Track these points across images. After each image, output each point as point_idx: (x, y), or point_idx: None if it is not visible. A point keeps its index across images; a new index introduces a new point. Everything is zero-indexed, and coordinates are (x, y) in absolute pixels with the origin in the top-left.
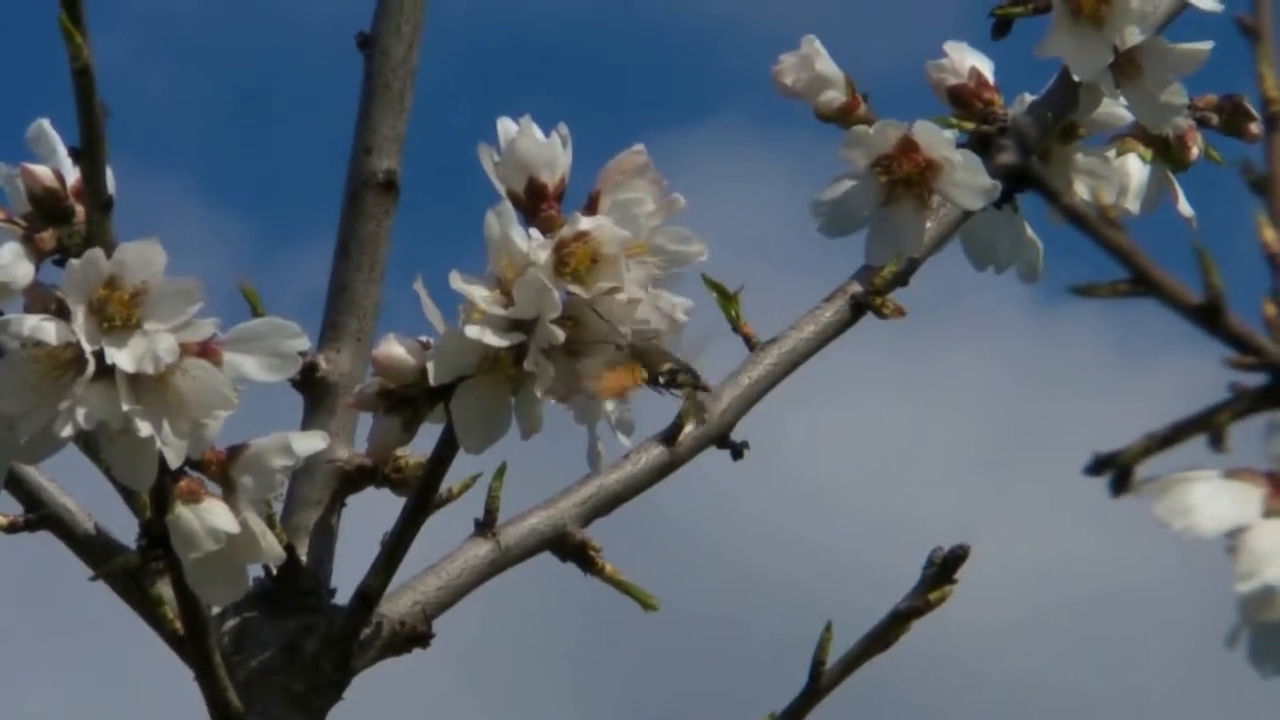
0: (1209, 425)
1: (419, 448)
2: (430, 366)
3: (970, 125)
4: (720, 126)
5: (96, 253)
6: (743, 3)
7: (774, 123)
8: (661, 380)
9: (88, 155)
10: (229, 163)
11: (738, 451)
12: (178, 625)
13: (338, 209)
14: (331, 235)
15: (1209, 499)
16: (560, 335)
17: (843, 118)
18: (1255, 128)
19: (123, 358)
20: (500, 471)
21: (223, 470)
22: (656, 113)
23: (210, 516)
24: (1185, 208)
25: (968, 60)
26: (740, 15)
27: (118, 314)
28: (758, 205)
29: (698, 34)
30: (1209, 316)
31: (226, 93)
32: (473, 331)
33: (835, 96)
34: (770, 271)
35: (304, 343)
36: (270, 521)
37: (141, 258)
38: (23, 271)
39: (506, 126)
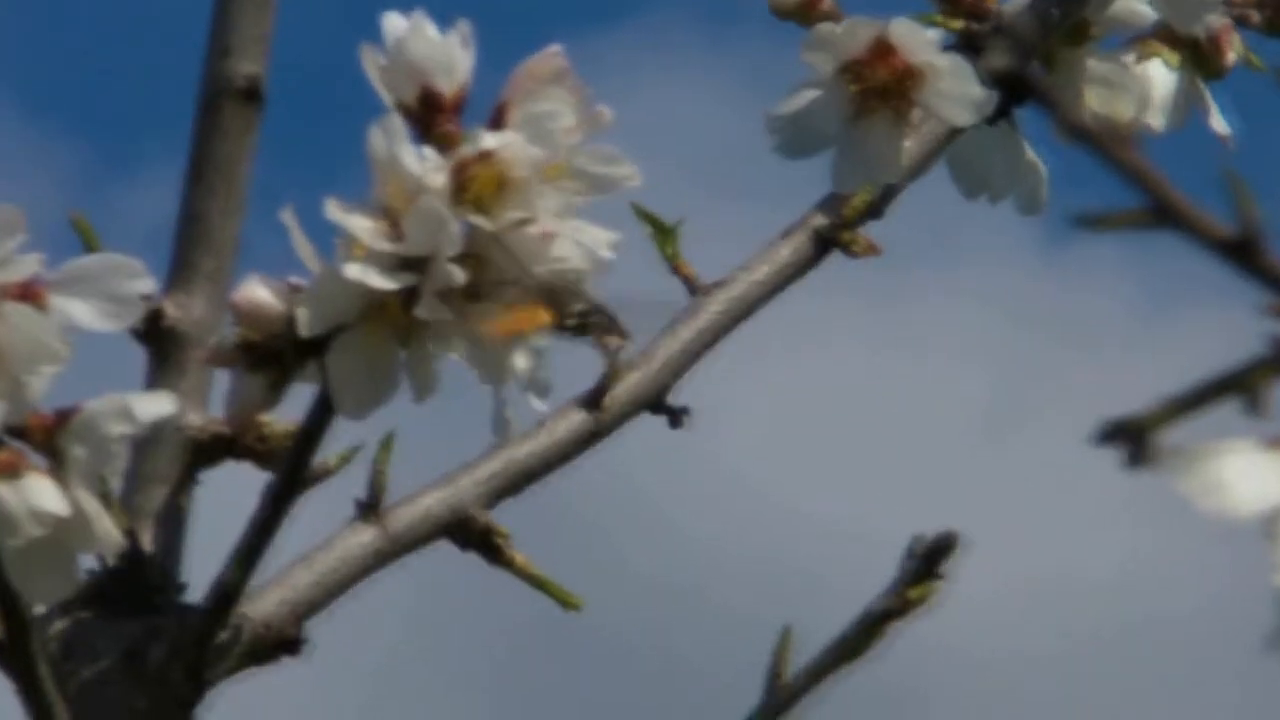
0: (1243, 385)
1: (287, 413)
2: (301, 314)
3: (958, 24)
4: (652, 25)
5: None
6: None
7: (717, 19)
8: (569, 324)
9: None
10: (51, 71)
11: (675, 418)
12: None
13: (188, 124)
14: (179, 156)
15: (1244, 474)
16: (460, 276)
17: (803, 14)
18: None
19: None
20: (386, 442)
21: (49, 439)
22: (575, 6)
23: (33, 495)
24: (1219, 124)
25: None
26: None
27: None
28: (699, 119)
29: None
30: (1242, 253)
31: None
32: (353, 271)
33: None
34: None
35: (147, 284)
36: (107, 501)
37: None
38: None
39: (394, 23)
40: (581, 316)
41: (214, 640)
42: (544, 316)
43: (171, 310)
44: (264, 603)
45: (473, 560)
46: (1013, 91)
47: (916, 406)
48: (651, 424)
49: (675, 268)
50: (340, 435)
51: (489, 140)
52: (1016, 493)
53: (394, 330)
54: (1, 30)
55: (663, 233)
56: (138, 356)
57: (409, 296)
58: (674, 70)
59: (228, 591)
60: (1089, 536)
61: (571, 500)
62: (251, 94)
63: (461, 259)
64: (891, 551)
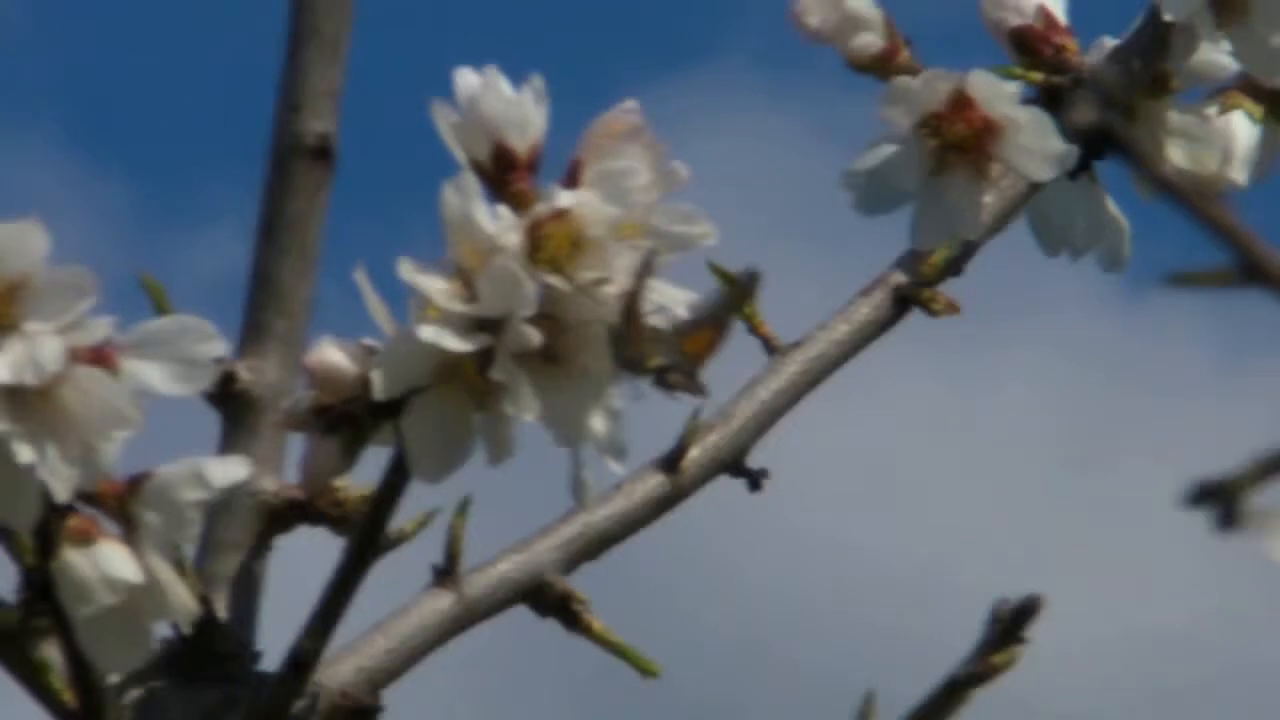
0: None
1: (363, 477)
2: (376, 376)
3: (1038, 76)
4: (715, 72)
5: None
6: None
7: (780, 65)
8: (642, 373)
9: None
10: (105, 114)
11: (754, 480)
12: (68, 697)
13: (249, 174)
14: (240, 207)
15: None
16: (536, 337)
17: (880, 67)
18: None
19: None
20: (463, 506)
21: (122, 505)
22: (641, 55)
23: (106, 563)
24: None
25: None
26: None
27: None
28: (771, 170)
29: None
30: None
31: (105, 24)
32: (427, 333)
33: (871, 41)
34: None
35: (219, 347)
36: (181, 568)
37: (18, 243)
38: None
39: (467, 79)
40: (660, 371)
41: (290, 709)
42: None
43: (244, 373)
44: (340, 670)
45: (551, 627)
46: (1095, 145)
47: (993, 457)
48: (730, 487)
49: (753, 327)
50: (416, 499)
51: (564, 198)
52: (1094, 542)
53: (469, 392)
54: (58, 71)
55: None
56: (211, 421)
57: (484, 358)
58: (740, 118)
59: (303, 659)
60: (1167, 585)
61: (647, 562)
62: (323, 152)
63: (537, 319)
64: (968, 602)
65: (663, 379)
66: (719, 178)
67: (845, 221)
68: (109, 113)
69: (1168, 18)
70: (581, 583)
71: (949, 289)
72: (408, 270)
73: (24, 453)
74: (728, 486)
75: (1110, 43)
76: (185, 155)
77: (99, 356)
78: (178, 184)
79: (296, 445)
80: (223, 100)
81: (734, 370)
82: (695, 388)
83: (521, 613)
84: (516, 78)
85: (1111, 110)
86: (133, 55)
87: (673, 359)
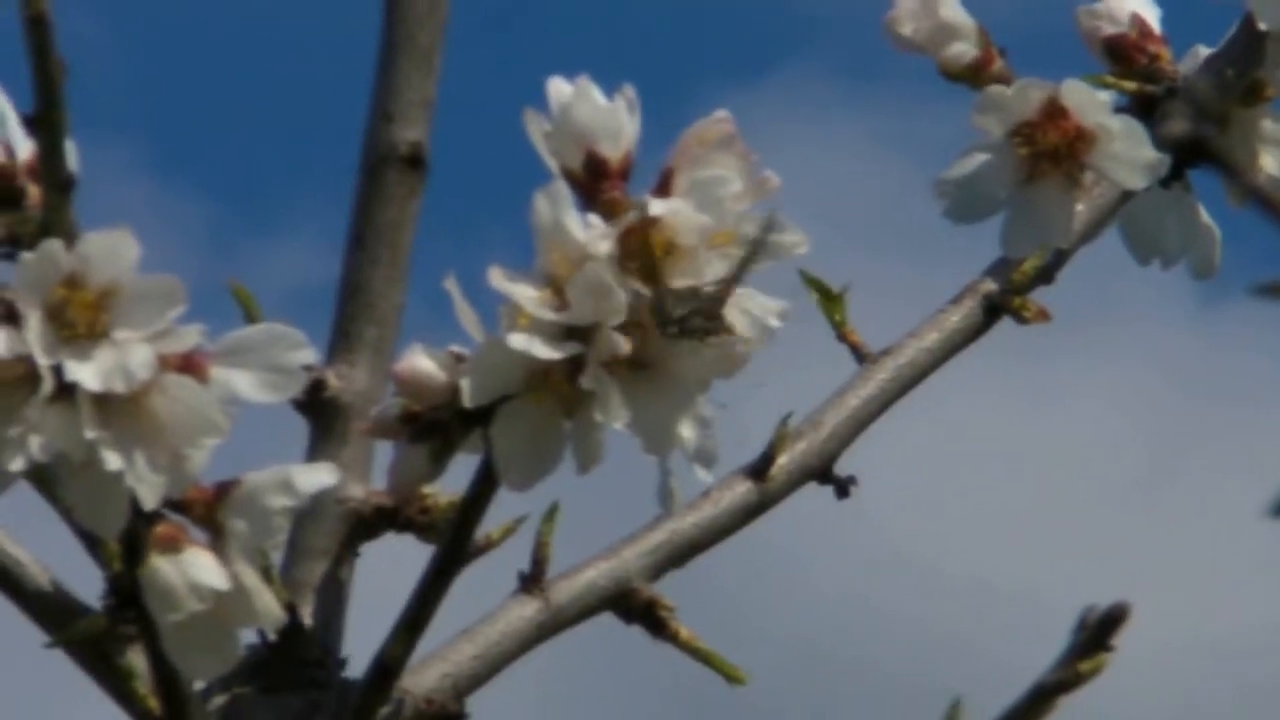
0: None
1: (450, 484)
2: (465, 384)
3: (1132, 85)
4: (791, 81)
5: (55, 244)
6: None
7: (856, 74)
8: (671, 330)
9: (44, 123)
10: (181, 126)
11: (842, 488)
12: (153, 703)
13: (326, 184)
14: (318, 217)
15: None
16: (626, 345)
17: (974, 76)
18: None
19: (87, 373)
20: (550, 514)
21: (209, 512)
22: (712, 64)
23: (194, 570)
24: None
25: (1128, 4)
26: None
27: (81, 320)
28: (850, 179)
29: None
30: None
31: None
32: (518, 341)
33: (965, 50)
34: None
35: (309, 354)
36: (268, 575)
37: (110, 251)
38: None
39: (559, 88)
40: (681, 322)
41: (375, 715)
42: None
43: (334, 381)
44: (425, 677)
45: (637, 633)
46: (1189, 154)
47: (1072, 466)
48: (818, 494)
49: (843, 335)
50: (503, 506)
51: (656, 206)
52: (1173, 551)
53: (559, 400)
54: (139, 87)
55: (830, 300)
56: (300, 427)
57: (574, 366)
58: (816, 126)
59: (389, 666)
60: (1247, 593)
61: (734, 570)
62: (415, 161)
63: (627, 327)
64: (1049, 613)
65: (684, 326)
66: (795, 185)
67: (927, 229)
68: (188, 127)
69: (1262, 26)
70: (668, 589)
71: (1040, 296)
72: (499, 278)
73: (112, 460)
74: (815, 494)
75: (1204, 51)
76: (262, 166)
77: (188, 364)
78: (255, 195)
79: (385, 452)
80: (298, 111)
81: (823, 378)
82: (717, 329)
83: (608, 620)
84: (606, 87)
85: (1204, 120)
86: (210, 69)
87: (692, 305)
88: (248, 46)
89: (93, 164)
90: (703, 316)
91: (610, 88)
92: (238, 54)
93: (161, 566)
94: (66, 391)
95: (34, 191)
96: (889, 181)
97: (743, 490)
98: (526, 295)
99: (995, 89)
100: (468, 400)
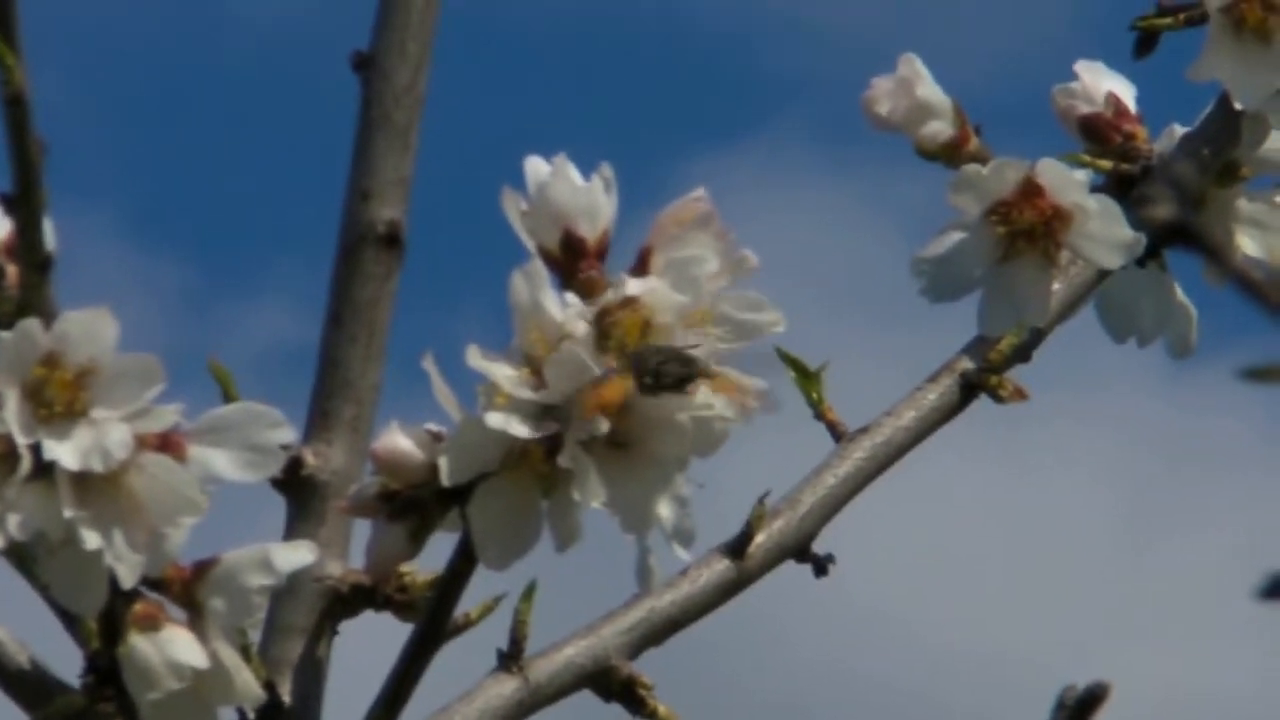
0: None
1: (428, 563)
2: (443, 463)
3: (1108, 164)
4: (770, 142)
5: (32, 324)
6: None
7: (833, 138)
8: (648, 381)
9: (22, 203)
10: (156, 192)
11: (820, 566)
12: None
13: (292, 250)
14: (292, 291)
15: None
16: (604, 424)
17: (949, 155)
18: None
19: (65, 452)
20: (529, 592)
21: (188, 591)
22: (688, 127)
23: (172, 648)
24: None
25: (1103, 83)
26: (783, 9)
27: (59, 399)
28: (826, 246)
29: (733, 34)
30: None
31: (163, 107)
32: (495, 420)
33: (941, 129)
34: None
35: (287, 433)
36: (246, 654)
37: (88, 330)
38: None
39: (536, 167)
40: (656, 374)
41: None
42: (628, 384)
43: (311, 459)
44: None
45: (615, 711)
46: (1168, 236)
47: (1048, 532)
48: (795, 573)
49: (820, 413)
50: (481, 584)
51: (633, 286)
52: (1150, 614)
53: (537, 479)
54: (105, 147)
55: (806, 378)
56: (277, 506)
57: (552, 444)
58: (792, 189)
59: None
60: (1222, 655)
61: (712, 647)
62: (392, 239)
63: (605, 406)
64: (1028, 677)
65: (657, 380)
66: (772, 252)
67: (903, 293)
68: (161, 192)
69: (1238, 106)
70: (647, 667)
71: (1017, 375)
72: (476, 357)
73: (91, 539)
74: (793, 572)
75: (1180, 130)
76: (235, 231)
77: (167, 443)
78: (227, 260)
79: (362, 530)
80: (272, 178)
81: (800, 456)
82: (691, 374)
83: (587, 697)
84: (553, 151)
85: (1183, 203)
86: (183, 135)
87: (668, 354)
88: (222, 113)
89: (65, 228)
90: (678, 363)
91: (587, 155)
92: (212, 122)
93: (140, 645)
94: (45, 470)
95: (12, 270)
96: (865, 244)
97: (721, 568)
98: (504, 374)
99: (971, 168)
100: (446, 479)
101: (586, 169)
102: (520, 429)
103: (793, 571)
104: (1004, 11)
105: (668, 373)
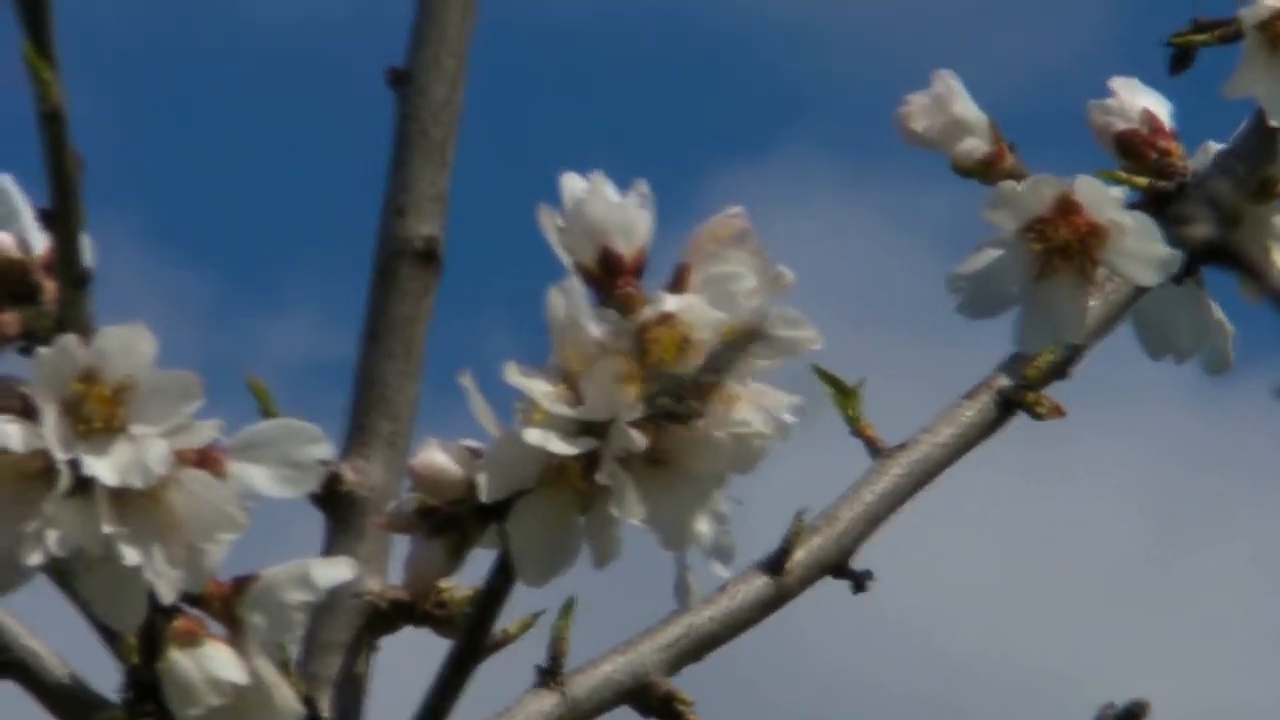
0: None
1: (467, 579)
2: (481, 479)
3: (1143, 181)
4: (795, 154)
5: (71, 339)
6: (803, 6)
7: (856, 151)
8: (647, 407)
9: (60, 218)
10: (183, 203)
11: (859, 582)
12: None
13: (319, 262)
14: (315, 305)
15: None
16: (641, 441)
17: (985, 172)
18: None
19: (103, 468)
20: (567, 608)
21: (227, 607)
22: (712, 141)
23: (212, 664)
24: None
25: (1139, 100)
26: (805, 21)
27: (97, 414)
28: (848, 260)
29: (753, 48)
30: None
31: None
32: (533, 436)
33: (976, 145)
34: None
35: (326, 449)
36: (286, 669)
37: (126, 346)
38: None
39: (572, 183)
40: (651, 403)
41: None
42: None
43: (350, 475)
44: None
45: None
46: (1205, 254)
47: (1082, 547)
48: (833, 589)
49: (857, 430)
50: (520, 600)
51: (670, 303)
52: (1178, 625)
53: (575, 495)
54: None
55: (844, 395)
56: (316, 522)
57: (590, 461)
58: (818, 201)
59: None
60: (1251, 666)
61: (750, 663)
62: (429, 256)
63: (642, 423)
64: (1066, 692)
65: (655, 406)
66: (796, 267)
67: (936, 314)
68: (187, 201)
69: (1273, 123)
70: (685, 684)
71: (1054, 392)
72: (514, 374)
73: (130, 555)
74: (829, 587)
75: (1215, 147)
76: (260, 242)
77: (205, 459)
78: (253, 270)
79: (401, 546)
80: (299, 188)
81: (838, 473)
82: (681, 412)
83: (625, 714)
84: (574, 166)
85: (1219, 220)
86: (209, 144)
87: (666, 386)
88: (243, 124)
89: (93, 237)
90: (671, 397)
91: (610, 170)
92: (234, 133)
93: (180, 660)
94: (84, 486)
95: (49, 286)
96: (887, 258)
97: (759, 585)
98: (541, 390)
99: (1007, 185)
100: (484, 495)
101: (623, 187)
102: (559, 445)
103: (828, 587)
104: (1027, 25)
105: (658, 405)
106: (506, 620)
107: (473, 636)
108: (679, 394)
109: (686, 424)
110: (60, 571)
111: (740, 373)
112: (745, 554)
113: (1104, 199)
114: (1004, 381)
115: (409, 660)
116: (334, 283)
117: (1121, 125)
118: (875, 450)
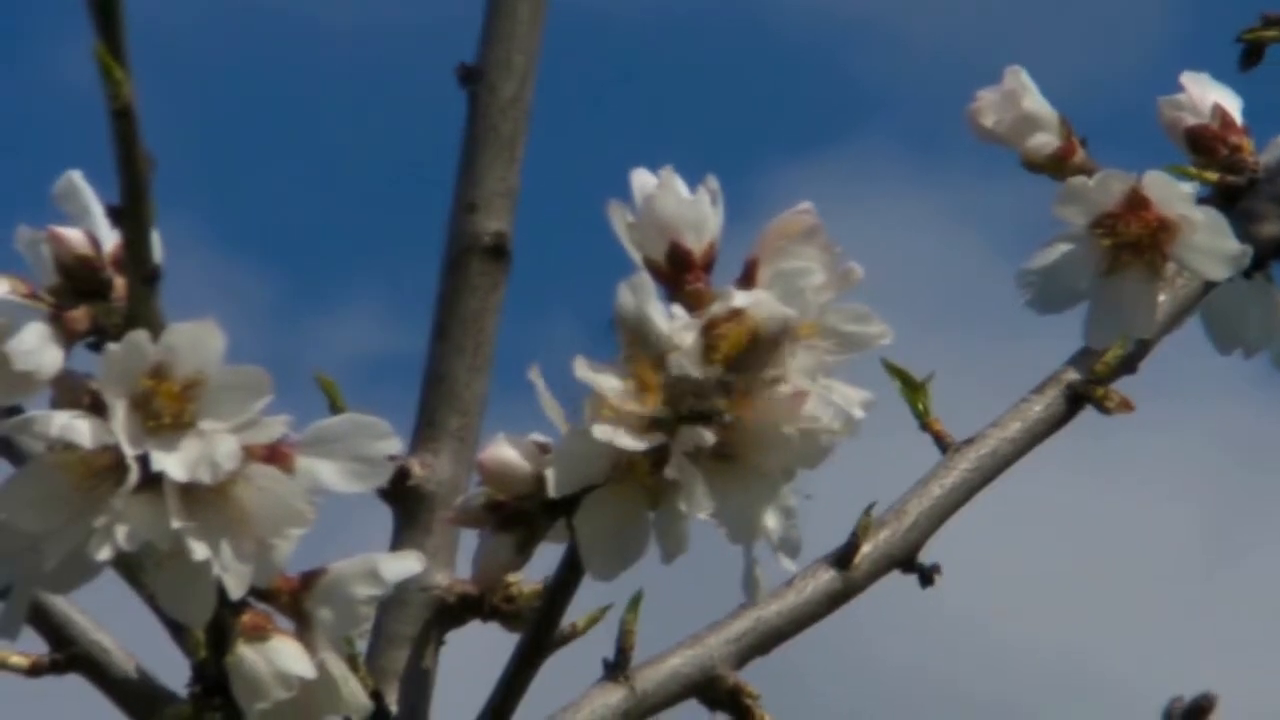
0: None
1: (535, 573)
2: (549, 474)
3: (1214, 176)
4: (860, 153)
5: (140, 335)
6: (874, 4)
7: (922, 147)
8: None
9: (130, 215)
10: (246, 203)
11: (926, 576)
12: None
13: (379, 259)
14: (377, 300)
15: None
16: (710, 437)
17: (1056, 167)
18: None
19: (173, 464)
20: (635, 602)
21: (295, 601)
22: (776, 136)
23: (280, 658)
24: None
25: (1209, 95)
26: (870, 20)
27: (166, 410)
28: (913, 256)
29: (819, 46)
30: None
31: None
32: (602, 432)
33: (1047, 141)
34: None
35: (394, 444)
36: (353, 663)
37: (195, 341)
38: (50, 358)
39: (642, 179)
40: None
41: None
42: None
43: (418, 470)
44: None
45: None
46: (1272, 247)
47: (1140, 539)
48: (901, 583)
49: (926, 424)
50: (588, 596)
51: (739, 298)
52: (1243, 624)
53: (643, 490)
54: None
55: (913, 389)
56: (385, 517)
57: (658, 456)
58: (878, 200)
59: None
60: None
61: (818, 657)
62: (498, 251)
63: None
64: (1132, 691)
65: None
66: (863, 263)
67: (1003, 309)
68: (249, 200)
69: None
70: (753, 677)
71: (1122, 386)
72: (583, 369)
73: (199, 550)
74: (898, 580)
75: None
76: (321, 240)
77: (274, 455)
78: (315, 268)
79: (469, 541)
80: (358, 194)
81: (906, 467)
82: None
83: (693, 707)
84: (640, 162)
85: None
86: (270, 143)
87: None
88: (314, 126)
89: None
90: (697, 398)
91: (676, 166)
92: (303, 133)
93: (248, 655)
94: (153, 482)
95: (119, 283)
96: (953, 254)
97: (827, 579)
98: (611, 386)
99: (1077, 180)
100: (553, 490)
101: (692, 183)
102: (627, 441)
103: (893, 581)
104: (1096, 25)
105: (686, 405)
106: (574, 614)
107: (540, 630)
108: (701, 395)
109: (722, 424)
110: (129, 566)
111: (811, 369)
112: (813, 548)
113: (1174, 194)
114: (1072, 376)
115: (476, 654)
116: (396, 281)
117: (1192, 120)
118: (943, 445)
